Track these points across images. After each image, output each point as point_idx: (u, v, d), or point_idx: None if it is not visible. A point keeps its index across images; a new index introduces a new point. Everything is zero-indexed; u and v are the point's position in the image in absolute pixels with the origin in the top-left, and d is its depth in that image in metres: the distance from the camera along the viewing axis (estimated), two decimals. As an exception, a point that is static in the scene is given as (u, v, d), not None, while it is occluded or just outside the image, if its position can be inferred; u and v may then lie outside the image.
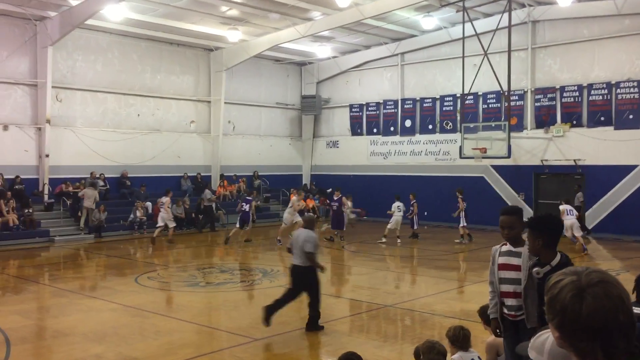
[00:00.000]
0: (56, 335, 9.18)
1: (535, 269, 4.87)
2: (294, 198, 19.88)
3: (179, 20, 22.42)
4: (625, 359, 1.70)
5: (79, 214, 21.07)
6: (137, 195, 23.07)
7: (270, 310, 9.11)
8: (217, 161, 26.67)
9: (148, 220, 22.32)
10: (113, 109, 23.68)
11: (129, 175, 23.60)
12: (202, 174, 26.08)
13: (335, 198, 19.93)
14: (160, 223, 19.69)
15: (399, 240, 19.41)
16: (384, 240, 19.42)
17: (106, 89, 23.36)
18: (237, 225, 19.41)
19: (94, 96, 23.13)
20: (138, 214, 21.98)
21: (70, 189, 21.54)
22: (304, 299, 12.11)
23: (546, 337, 2.23)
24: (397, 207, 19.95)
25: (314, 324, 9.26)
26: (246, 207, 19.36)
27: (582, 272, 1.74)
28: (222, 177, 26.48)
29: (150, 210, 22.76)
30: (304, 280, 9.24)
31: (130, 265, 16.25)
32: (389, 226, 19.61)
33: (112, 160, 23.24)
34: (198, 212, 23.89)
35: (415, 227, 20.45)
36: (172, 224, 19.89)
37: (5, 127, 20.66)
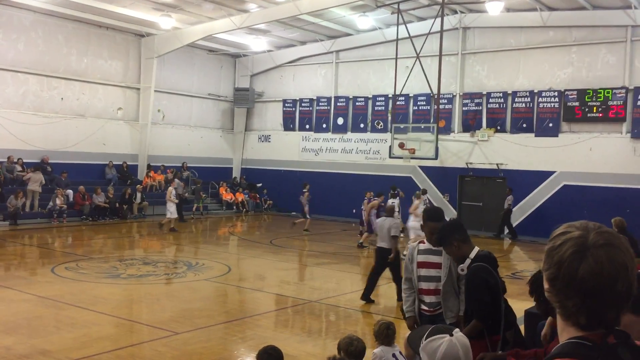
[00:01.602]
0: (-38, 326, 8.66)
1: (459, 267, 5.00)
2: (415, 202, 17.38)
3: (110, 2, 21.62)
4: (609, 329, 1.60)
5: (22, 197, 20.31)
6: (58, 182, 22.12)
7: (367, 294, 10.89)
8: (144, 150, 25.94)
9: (68, 209, 21.47)
10: (35, 91, 22.57)
11: (50, 161, 22.57)
12: (128, 163, 25.31)
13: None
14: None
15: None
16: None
17: (28, 69, 22.22)
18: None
19: (15, 76, 21.96)
20: (58, 201, 21.07)
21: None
22: (221, 293, 11.99)
23: (439, 344, 2.19)
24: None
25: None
26: (301, 198, 21.27)
27: (592, 230, 1.61)
28: (149, 166, 25.80)
29: (71, 198, 21.89)
30: (387, 259, 11.01)
31: (47, 254, 15.56)
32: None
33: (31, 144, 22.15)
34: (122, 201, 23.20)
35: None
36: (169, 215, 19.78)
37: None
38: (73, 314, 9.41)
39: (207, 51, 28.57)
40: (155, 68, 25.64)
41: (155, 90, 25.88)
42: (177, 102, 27.88)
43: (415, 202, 17.36)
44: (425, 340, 2.19)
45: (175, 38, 24.74)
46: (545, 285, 1.65)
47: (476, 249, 4.87)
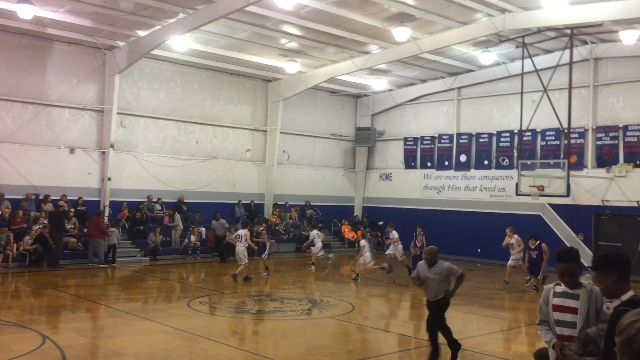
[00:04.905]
0: (109, 354, 9.40)
1: (605, 304, 4.72)
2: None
3: (240, 51, 23.09)
4: None
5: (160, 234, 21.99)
6: (193, 220, 23.56)
7: None
8: (270, 189, 27.02)
9: (201, 246, 22.75)
10: (173, 136, 24.45)
11: (185, 201, 24.16)
12: (255, 202, 26.44)
13: (533, 247, 17.51)
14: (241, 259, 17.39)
15: None
16: None
17: (168, 116, 24.18)
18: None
19: (156, 123, 23.96)
20: (192, 238, 22.41)
21: (126, 212, 22.24)
22: (345, 331, 12.01)
23: None
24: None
25: None
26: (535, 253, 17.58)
27: None
28: (274, 205, 26.77)
29: (204, 236, 23.18)
30: None
31: (183, 289, 16.52)
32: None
33: (169, 185, 23.89)
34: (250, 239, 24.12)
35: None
36: (245, 260, 17.32)
37: (72, 151, 21.61)
38: (206, 347, 9.89)
39: (329, 92, 29.45)
40: (281, 110, 26.83)
41: (280, 132, 27.02)
42: (301, 143, 28.87)
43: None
44: None
45: (300, 81, 25.81)
46: None
47: (631, 293, 4.57)
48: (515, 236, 18.23)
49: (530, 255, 17.53)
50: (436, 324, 9.12)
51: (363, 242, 19.19)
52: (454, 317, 13.76)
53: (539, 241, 17.51)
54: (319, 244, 21.16)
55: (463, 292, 17.27)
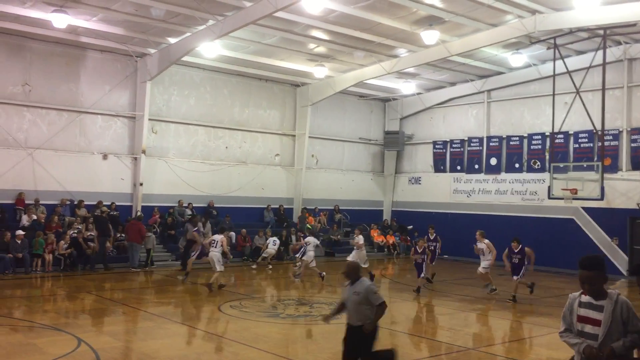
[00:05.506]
0: (142, 357, 9.53)
1: None
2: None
3: (269, 57, 23.25)
4: None
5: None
6: (222, 225, 23.71)
7: None
8: (299, 194, 27.11)
9: (231, 250, 22.85)
10: (203, 141, 24.72)
11: (214, 205, 24.37)
12: (284, 206, 26.55)
13: (516, 250, 16.09)
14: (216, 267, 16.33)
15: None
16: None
17: (198, 122, 24.46)
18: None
19: (186, 128, 24.26)
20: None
21: (157, 217, 22.51)
22: (379, 336, 11.96)
23: None
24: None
25: None
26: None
27: None
28: (303, 210, 26.83)
29: (233, 240, 23.34)
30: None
31: (213, 293, 16.65)
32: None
33: (199, 190, 24.15)
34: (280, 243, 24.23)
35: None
36: (219, 267, 16.36)
37: (105, 157, 22.01)
38: (237, 350, 9.97)
39: (357, 97, 29.45)
40: (310, 115, 26.93)
41: (309, 136, 27.12)
42: (330, 147, 28.92)
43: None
44: None
45: (328, 86, 25.86)
46: None
47: None
48: (486, 241, 16.74)
49: (512, 259, 16.06)
50: (354, 354, 7.48)
51: (309, 239, 18.86)
52: (485, 323, 13.62)
53: (521, 245, 16.05)
54: (269, 250, 22.29)
55: (495, 297, 17.10)
